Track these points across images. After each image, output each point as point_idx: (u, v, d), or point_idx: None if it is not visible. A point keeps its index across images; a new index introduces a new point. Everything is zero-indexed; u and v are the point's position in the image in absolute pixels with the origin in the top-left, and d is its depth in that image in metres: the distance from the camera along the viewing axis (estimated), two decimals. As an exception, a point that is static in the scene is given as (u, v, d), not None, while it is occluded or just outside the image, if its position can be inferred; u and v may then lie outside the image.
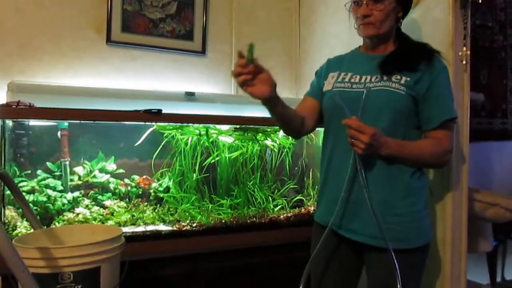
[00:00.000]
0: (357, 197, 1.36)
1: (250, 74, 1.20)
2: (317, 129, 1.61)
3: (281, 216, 2.16)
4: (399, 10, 1.43)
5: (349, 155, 1.34)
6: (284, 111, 1.39)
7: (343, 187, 1.36)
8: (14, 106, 1.66)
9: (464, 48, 1.66)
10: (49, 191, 1.87)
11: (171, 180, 2.10)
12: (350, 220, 1.40)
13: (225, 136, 2.15)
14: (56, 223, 1.81)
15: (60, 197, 1.89)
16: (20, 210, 1.73)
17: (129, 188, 2.05)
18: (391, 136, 1.32)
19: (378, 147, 1.28)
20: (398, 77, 1.36)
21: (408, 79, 1.35)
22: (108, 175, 2.03)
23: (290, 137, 2.27)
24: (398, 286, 1.26)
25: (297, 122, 1.47)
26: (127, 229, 1.85)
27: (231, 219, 2.06)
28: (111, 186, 2.03)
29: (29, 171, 1.90)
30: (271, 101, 1.30)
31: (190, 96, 2.22)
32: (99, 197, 1.98)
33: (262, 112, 2.23)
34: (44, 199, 1.84)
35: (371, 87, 1.36)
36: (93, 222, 1.85)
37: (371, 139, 1.23)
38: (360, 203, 1.35)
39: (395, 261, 1.26)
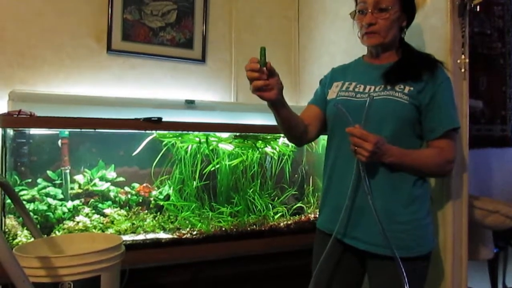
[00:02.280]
0: (360, 205, 1.36)
1: (265, 79, 1.22)
2: (318, 136, 1.62)
3: (281, 224, 2.16)
4: (403, 19, 1.44)
5: (352, 163, 1.34)
6: (289, 116, 1.40)
7: (347, 195, 1.36)
8: (15, 115, 1.66)
9: (463, 56, 1.66)
10: (50, 200, 1.87)
11: (171, 188, 2.10)
12: (353, 228, 1.39)
13: (225, 143, 2.15)
14: (57, 232, 1.81)
15: (61, 205, 1.89)
16: (21, 219, 1.73)
17: (129, 196, 2.05)
18: (394, 145, 1.32)
19: (381, 155, 1.29)
20: (402, 86, 1.37)
21: (412, 88, 1.36)
22: (108, 183, 2.03)
23: (290, 145, 2.28)
24: None
25: (300, 129, 1.47)
26: (127, 237, 1.85)
27: (231, 227, 2.05)
28: (111, 194, 2.03)
29: (30, 180, 1.90)
30: (278, 104, 1.31)
31: (190, 104, 2.23)
32: (99, 205, 1.98)
33: (262, 119, 2.25)
34: (45, 207, 1.84)
35: (374, 96, 1.37)
36: (93, 230, 1.85)
37: (374, 147, 1.24)
38: (363, 211, 1.35)
39: (403, 269, 1.26)
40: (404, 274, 1.26)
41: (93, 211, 1.94)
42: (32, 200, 1.85)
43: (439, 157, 1.36)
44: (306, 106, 1.60)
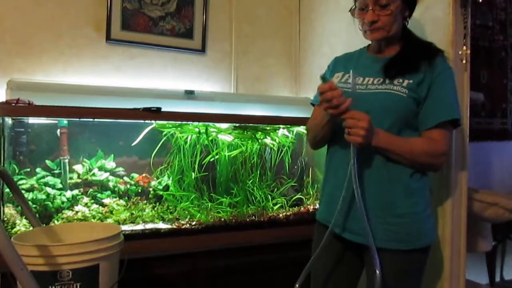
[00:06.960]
0: (354, 197, 1.36)
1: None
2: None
3: (280, 215, 2.16)
4: (405, 9, 1.41)
5: (348, 154, 1.34)
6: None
7: (342, 186, 1.36)
8: (14, 104, 1.65)
9: (464, 48, 1.65)
10: (48, 189, 1.87)
11: (171, 178, 2.10)
12: (348, 221, 1.39)
13: (224, 134, 2.15)
14: (55, 221, 1.81)
15: (59, 195, 1.88)
16: (19, 208, 1.72)
17: (128, 186, 2.05)
18: None
19: (372, 136, 1.28)
20: (401, 80, 1.35)
21: (411, 81, 1.34)
22: (108, 173, 2.03)
23: (290, 136, 2.28)
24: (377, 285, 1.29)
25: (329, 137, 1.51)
26: (126, 227, 1.85)
27: (230, 218, 2.05)
28: (110, 184, 2.02)
29: (29, 169, 1.90)
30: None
31: (189, 95, 2.22)
32: (98, 195, 1.98)
33: (261, 110, 2.24)
34: (43, 197, 1.84)
35: (372, 89, 1.37)
36: (92, 220, 1.85)
37: (369, 125, 1.24)
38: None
39: (377, 260, 1.29)
40: (380, 266, 1.29)
41: (92, 200, 1.94)
42: (31, 189, 1.85)
43: (429, 146, 1.32)
44: (313, 108, 1.58)
